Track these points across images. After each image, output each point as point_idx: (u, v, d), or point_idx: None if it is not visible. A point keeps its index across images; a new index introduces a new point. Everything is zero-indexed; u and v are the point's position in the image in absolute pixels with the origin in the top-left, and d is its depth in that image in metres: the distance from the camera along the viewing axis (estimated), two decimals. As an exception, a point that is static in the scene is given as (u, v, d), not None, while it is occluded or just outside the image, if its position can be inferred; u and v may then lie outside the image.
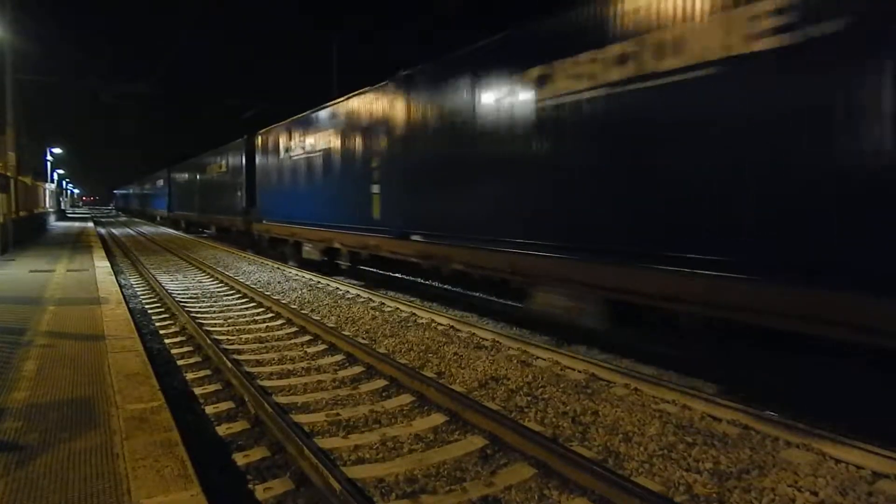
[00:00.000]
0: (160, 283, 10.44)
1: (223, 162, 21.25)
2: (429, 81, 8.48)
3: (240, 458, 3.60)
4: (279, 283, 11.20)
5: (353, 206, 10.75)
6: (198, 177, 26.35)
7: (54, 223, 32.54)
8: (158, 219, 39.06)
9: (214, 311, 8.36)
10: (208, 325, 7.37)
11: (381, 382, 5.10)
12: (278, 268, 13.43)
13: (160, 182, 38.74)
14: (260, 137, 16.71)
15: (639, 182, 5.25)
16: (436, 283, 10.50)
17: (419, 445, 3.82)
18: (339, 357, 5.93)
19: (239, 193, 18.48)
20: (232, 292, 10.06)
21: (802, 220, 4.11)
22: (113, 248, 18.67)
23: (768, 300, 4.17)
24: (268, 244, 15.72)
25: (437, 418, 4.26)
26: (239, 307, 8.75)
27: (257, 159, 16.81)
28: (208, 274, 12.44)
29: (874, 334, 3.61)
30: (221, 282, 11.23)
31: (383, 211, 9.69)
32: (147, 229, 32.65)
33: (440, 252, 7.93)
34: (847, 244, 3.87)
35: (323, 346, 6.36)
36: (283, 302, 8.68)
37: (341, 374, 5.40)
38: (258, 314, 8.17)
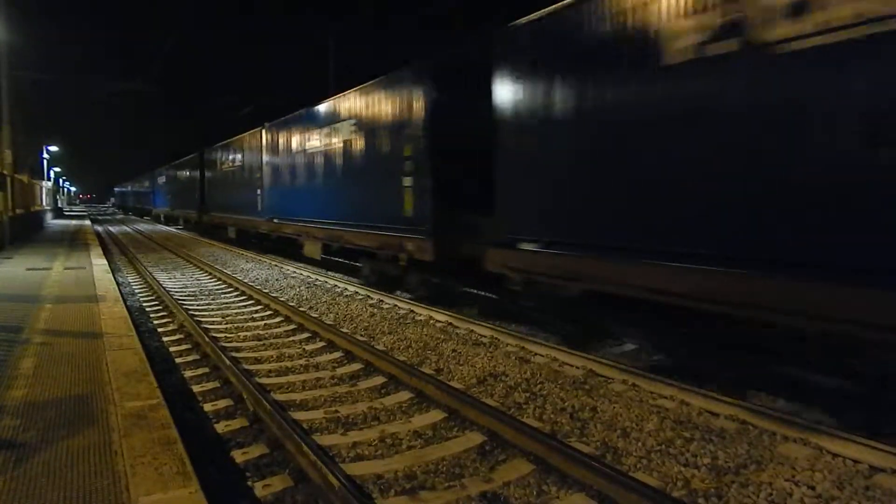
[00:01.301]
0: (158, 281, 10.42)
1: (341, 125, 10.57)
2: None
3: (238, 456, 3.60)
4: (277, 280, 11.18)
5: None
6: (266, 162, 15.19)
7: (51, 221, 32.46)
8: (182, 222, 29.41)
9: (212, 309, 8.35)
10: (206, 322, 7.36)
11: (379, 379, 5.10)
12: (276, 265, 13.40)
13: (185, 174, 27.70)
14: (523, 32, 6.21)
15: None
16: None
17: (418, 442, 3.83)
18: (337, 354, 5.93)
19: (406, 183, 8.35)
20: (230, 290, 10.05)
21: None
22: (110, 246, 18.64)
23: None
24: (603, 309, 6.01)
25: (436, 415, 4.27)
26: (237, 305, 8.74)
27: (519, 89, 6.22)
28: (206, 272, 12.41)
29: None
30: (219, 279, 11.21)
31: None
32: (145, 227, 32.59)
33: None
34: None
35: (321, 344, 6.35)
36: (282, 299, 8.68)
37: (340, 371, 5.40)
38: (256, 311, 8.16)
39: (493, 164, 6.56)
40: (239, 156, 18.29)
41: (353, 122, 10.27)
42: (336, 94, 11.24)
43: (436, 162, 7.84)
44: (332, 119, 11.10)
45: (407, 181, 8.35)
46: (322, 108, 11.73)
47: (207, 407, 4.45)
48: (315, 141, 12.00)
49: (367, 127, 9.71)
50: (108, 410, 3.49)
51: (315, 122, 12.05)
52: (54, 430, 3.21)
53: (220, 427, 4.06)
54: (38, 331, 5.57)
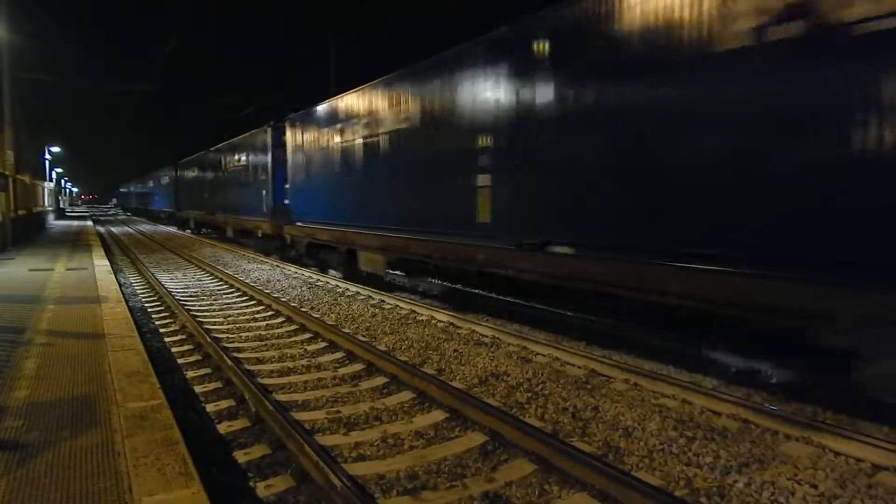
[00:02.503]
0: (159, 282, 10.43)
1: None
2: None
3: (241, 456, 3.60)
4: (279, 280, 11.20)
5: None
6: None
7: (53, 222, 32.52)
8: (231, 233, 19.95)
9: (214, 310, 8.36)
10: (208, 323, 7.37)
11: (381, 380, 5.11)
12: (277, 266, 13.42)
13: (237, 163, 19.23)
14: None
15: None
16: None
17: (420, 442, 3.83)
18: (339, 354, 5.94)
19: None
20: (232, 290, 10.06)
21: None
22: (112, 247, 18.66)
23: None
24: None
25: (438, 415, 4.27)
26: (239, 305, 8.75)
27: None
28: (208, 272, 12.43)
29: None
30: (221, 280, 11.22)
31: None
32: (146, 228, 32.63)
33: None
34: None
35: (323, 344, 6.36)
36: (283, 300, 8.68)
37: (342, 371, 5.40)
38: (258, 312, 8.17)
39: None
40: (388, 117, 9.34)
41: None
42: None
43: None
44: None
45: None
46: None
47: (210, 407, 4.46)
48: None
49: None
50: (111, 411, 3.49)
51: None
52: (57, 430, 3.22)
53: (223, 427, 4.06)
54: (40, 332, 5.58)
